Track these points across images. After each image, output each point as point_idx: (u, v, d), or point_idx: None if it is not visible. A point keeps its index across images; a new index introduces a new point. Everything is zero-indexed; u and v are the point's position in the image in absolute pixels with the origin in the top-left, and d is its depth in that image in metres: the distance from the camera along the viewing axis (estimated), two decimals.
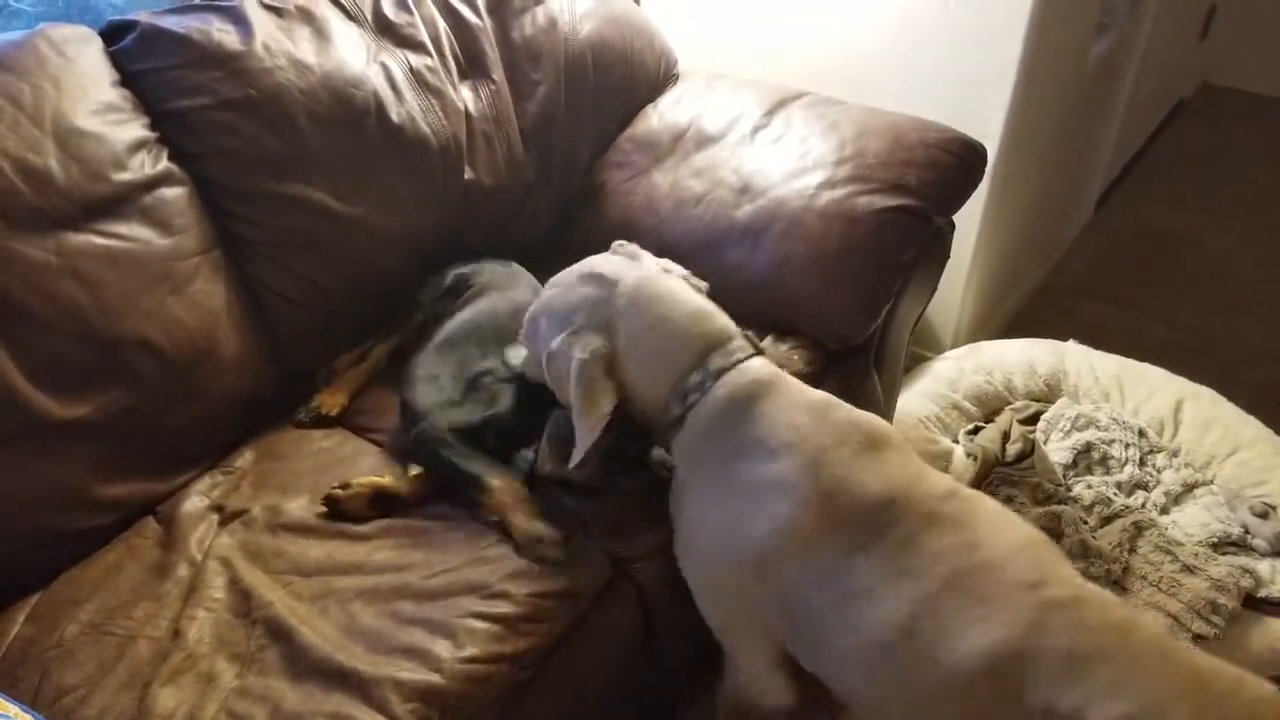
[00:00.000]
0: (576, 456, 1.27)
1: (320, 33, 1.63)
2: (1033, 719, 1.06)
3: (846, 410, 1.27)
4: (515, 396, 1.47)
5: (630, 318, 1.29)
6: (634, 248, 1.44)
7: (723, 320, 1.33)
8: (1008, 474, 2.02)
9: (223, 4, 1.59)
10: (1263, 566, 1.86)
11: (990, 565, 1.14)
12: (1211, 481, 2.07)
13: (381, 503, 1.41)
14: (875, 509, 1.17)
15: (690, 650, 1.59)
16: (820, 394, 1.29)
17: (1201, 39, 3.71)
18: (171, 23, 1.53)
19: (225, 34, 1.54)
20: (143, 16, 1.54)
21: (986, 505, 1.21)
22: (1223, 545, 1.91)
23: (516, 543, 1.33)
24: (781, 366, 1.69)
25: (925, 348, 2.40)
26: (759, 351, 1.31)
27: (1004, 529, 1.18)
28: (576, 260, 1.91)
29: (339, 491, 1.40)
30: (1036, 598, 1.11)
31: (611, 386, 1.28)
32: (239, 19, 1.57)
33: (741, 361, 1.28)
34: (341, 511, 1.40)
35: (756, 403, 1.24)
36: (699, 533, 1.29)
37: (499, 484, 1.37)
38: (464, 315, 1.61)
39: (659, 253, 1.82)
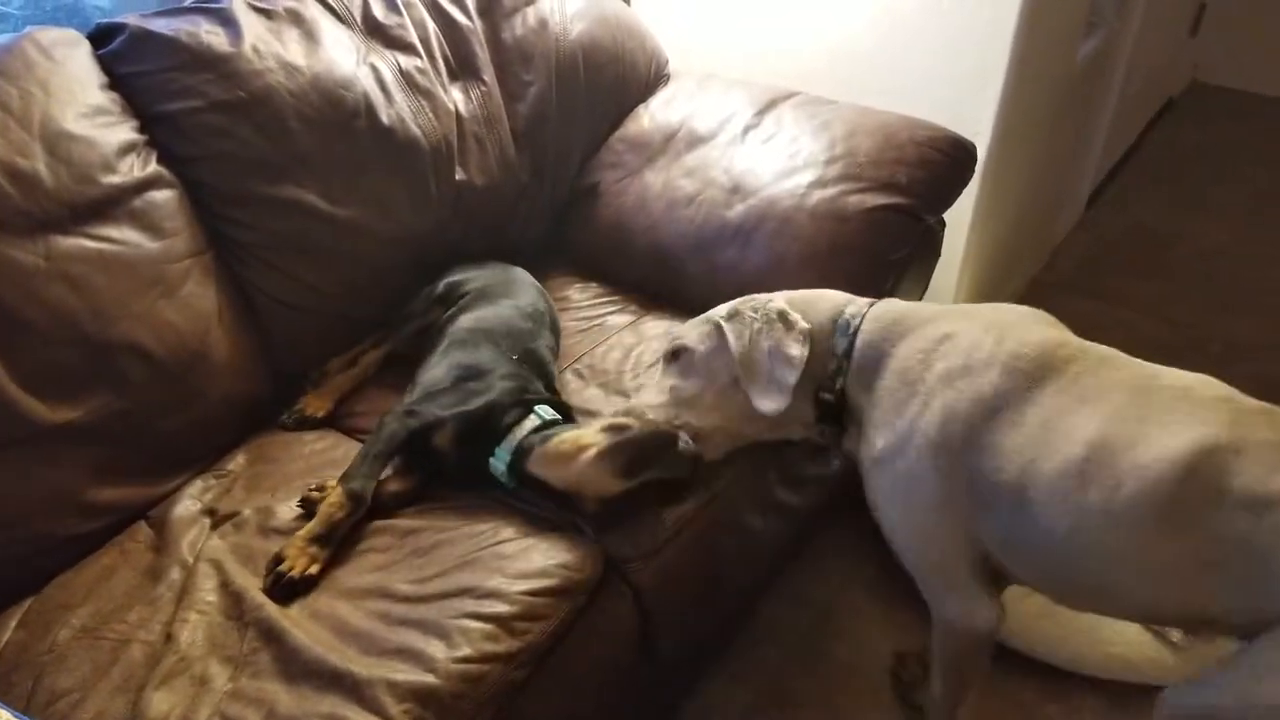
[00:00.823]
0: (780, 396, 1.42)
1: (309, 34, 1.63)
2: (1234, 511, 1.14)
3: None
4: (490, 401, 1.45)
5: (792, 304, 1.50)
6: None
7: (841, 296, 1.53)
8: None
9: (212, 6, 1.58)
10: None
11: (1175, 386, 1.26)
12: None
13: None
14: (1050, 352, 1.30)
15: (689, 649, 1.59)
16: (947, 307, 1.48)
17: (1191, 37, 3.73)
18: (160, 25, 1.53)
19: (214, 36, 1.54)
20: (131, 19, 1.54)
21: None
22: None
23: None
24: None
25: None
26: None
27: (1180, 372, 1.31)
28: (571, 260, 1.94)
29: (315, 494, 1.40)
30: (1231, 405, 1.23)
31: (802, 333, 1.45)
32: (228, 21, 1.56)
33: (867, 311, 1.46)
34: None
35: (883, 347, 1.40)
36: (904, 450, 1.35)
37: (336, 494, 1.36)
38: (466, 322, 1.60)
39: (651, 253, 1.83)
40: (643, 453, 1.38)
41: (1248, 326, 2.73)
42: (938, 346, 1.36)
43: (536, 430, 1.42)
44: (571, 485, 1.39)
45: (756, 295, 1.50)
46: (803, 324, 1.45)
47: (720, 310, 1.51)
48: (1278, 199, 3.33)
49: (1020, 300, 2.73)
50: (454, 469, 1.44)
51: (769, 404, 1.42)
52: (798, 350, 1.42)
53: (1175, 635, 1.74)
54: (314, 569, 1.31)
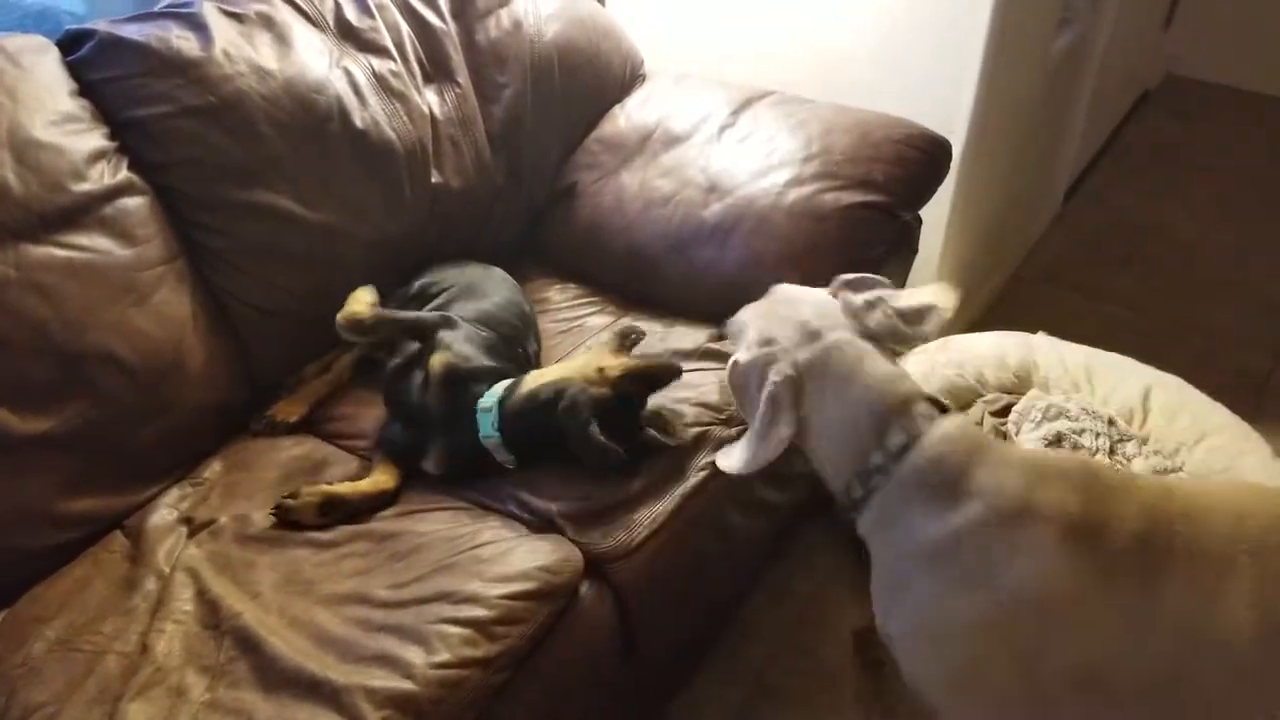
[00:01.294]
0: (744, 467, 1.25)
1: (281, 38, 1.62)
2: None
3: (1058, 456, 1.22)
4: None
5: (816, 380, 1.23)
6: (868, 286, 1.37)
7: (909, 384, 1.22)
8: None
9: (182, 11, 1.57)
10: None
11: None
12: (1181, 468, 2.09)
13: (332, 510, 1.40)
14: (1142, 540, 1.09)
15: (672, 649, 1.59)
16: (1022, 449, 1.23)
17: (1165, 30, 3.75)
18: (130, 31, 1.52)
19: (185, 41, 1.53)
20: (100, 25, 1.52)
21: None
22: None
23: None
24: None
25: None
26: (944, 409, 1.20)
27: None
28: (548, 262, 1.93)
29: (289, 500, 1.39)
30: None
31: (794, 419, 1.23)
32: (198, 26, 1.55)
33: (923, 434, 1.15)
34: (293, 520, 1.39)
35: (955, 475, 1.14)
36: (937, 636, 1.17)
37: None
38: (457, 311, 1.61)
39: (629, 253, 1.83)
40: (647, 371, 1.45)
41: (1226, 319, 2.76)
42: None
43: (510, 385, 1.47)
44: (565, 379, 1.42)
45: (842, 340, 1.25)
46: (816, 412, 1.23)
47: (785, 331, 1.28)
48: (1253, 190, 3.36)
49: (999, 297, 2.77)
50: (437, 418, 1.45)
51: (726, 461, 1.29)
52: (783, 434, 1.22)
53: None
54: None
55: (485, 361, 1.50)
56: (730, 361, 1.31)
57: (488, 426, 1.43)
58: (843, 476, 1.21)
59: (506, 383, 1.46)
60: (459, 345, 1.51)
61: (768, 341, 1.27)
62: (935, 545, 1.13)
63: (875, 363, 1.24)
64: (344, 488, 1.42)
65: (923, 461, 1.14)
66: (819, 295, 1.36)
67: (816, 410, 1.22)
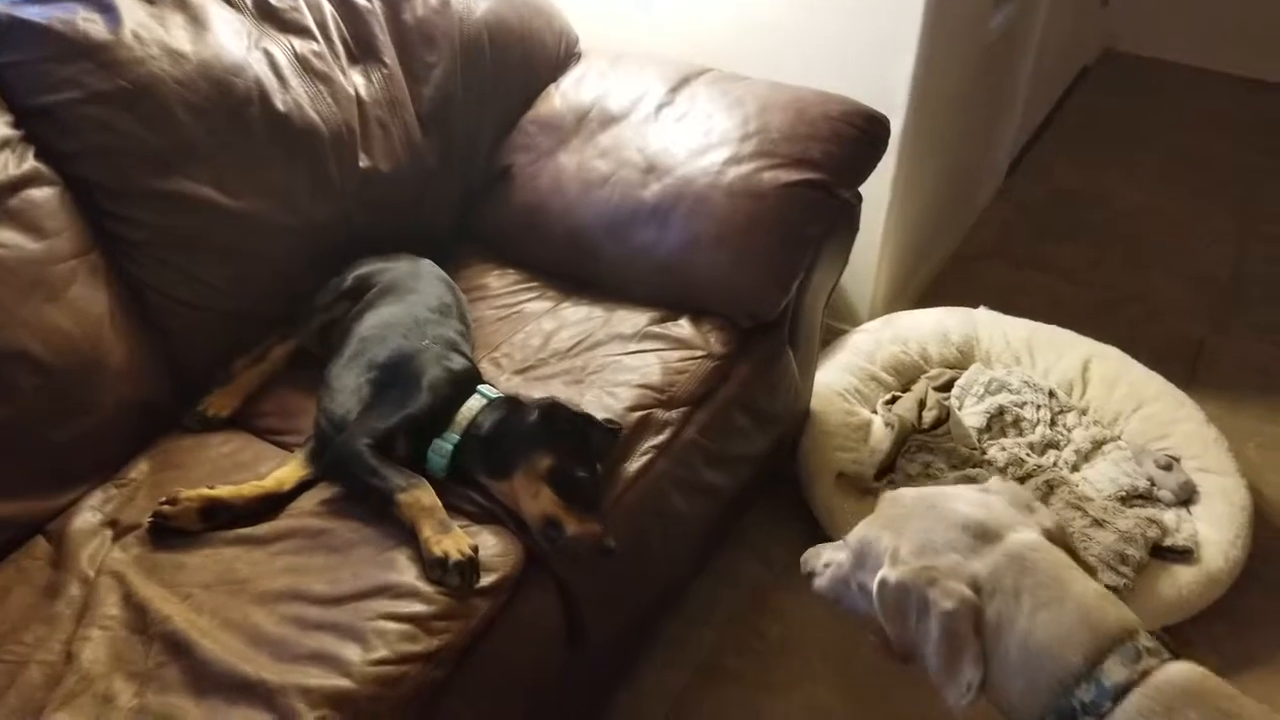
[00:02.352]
0: (954, 704, 1.03)
1: (196, 19, 1.55)
2: None
3: None
4: (429, 391, 1.43)
5: (1007, 592, 1.01)
6: (1018, 491, 1.16)
7: (1123, 610, 1.02)
8: (924, 441, 2.05)
9: None
10: (1168, 516, 1.93)
11: None
12: (1119, 437, 2.13)
13: (215, 514, 1.34)
14: None
15: (619, 636, 1.58)
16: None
17: (1103, 6, 3.79)
18: (32, 13, 1.44)
19: (91, 23, 1.46)
20: (1, 8, 1.45)
21: None
22: (1130, 498, 1.97)
23: (422, 560, 1.27)
24: (707, 352, 1.63)
25: (842, 320, 2.41)
26: (1175, 654, 1.00)
27: None
28: (486, 247, 1.89)
29: (166, 507, 1.33)
30: None
31: (979, 653, 1.00)
32: (106, 7, 1.48)
33: (1153, 670, 0.96)
34: (173, 528, 1.33)
35: None
36: None
37: (406, 498, 1.31)
38: (373, 320, 1.56)
39: (568, 236, 1.80)
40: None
41: (1163, 287, 2.81)
42: None
43: (484, 410, 1.41)
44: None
45: (1033, 542, 1.05)
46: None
47: (947, 535, 1.07)
48: (1189, 162, 3.42)
49: (944, 273, 2.79)
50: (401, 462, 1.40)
51: (953, 696, 1.04)
52: (970, 678, 1.00)
53: None
54: None
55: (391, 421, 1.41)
56: (877, 580, 1.07)
57: (439, 469, 1.40)
58: (1031, 712, 0.99)
59: (464, 425, 1.41)
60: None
61: (925, 551, 1.05)
62: None
63: (1078, 573, 1.04)
64: (225, 491, 1.35)
65: (1154, 707, 0.93)
66: (970, 489, 1.14)
67: (1004, 629, 1.01)
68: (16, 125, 1.42)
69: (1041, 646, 0.99)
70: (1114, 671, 0.95)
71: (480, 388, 1.46)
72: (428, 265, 1.72)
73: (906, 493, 1.18)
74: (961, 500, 1.11)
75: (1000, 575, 1.02)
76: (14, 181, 1.38)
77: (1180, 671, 0.97)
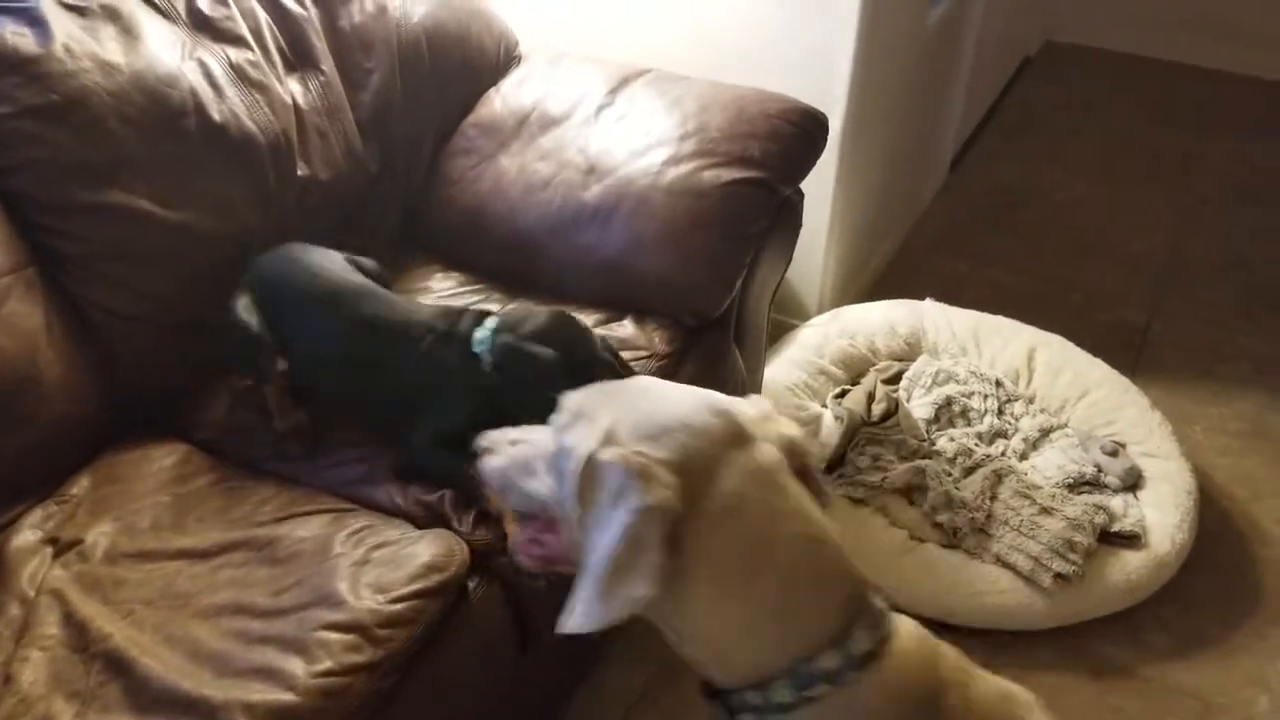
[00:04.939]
0: (576, 623, 0.85)
1: (128, 31, 1.54)
2: None
3: None
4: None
5: (749, 514, 0.86)
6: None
7: (852, 562, 0.91)
8: (873, 434, 2.07)
9: (15, 6, 1.47)
10: (1115, 502, 1.96)
11: None
12: (1066, 425, 2.17)
13: None
14: None
15: (573, 636, 1.58)
16: (960, 661, 0.92)
17: None
18: None
19: (20, 37, 1.44)
20: None
21: None
22: (1078, 485, 2.00)
23: None
24: (651, 352, 1.62)
25: (791, 315, 2.44)
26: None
27: None
28: (429, 250, 1.88)
29: None
30: None
31: (660, 569, 0.82)
32: (35, 21, 1.46)
33: (889, 637, 0.87)
34: None
35: (925, 694, 0.87)
36: None
37: None
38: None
39: (511, 239, 1.80)
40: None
41: (1107, 276, 2.85)
42: None
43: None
44: None
45: (771, 461, 0.89)
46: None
47: (666, 432, 0.87)
48: (1131, 151, 3.48)
49: (891, 266, 2.82)
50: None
51: (573, 621, 0.85)
52: (637, 594, 0.82)
53: (1046, 580, 1.81)
54: None
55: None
56: (581, 456, 0.86)
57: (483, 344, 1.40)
58: (755, 670, 0.87)
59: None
60: None
61: (648, 437, 0.86)
62: None
63: (816, 512, 0.90)
64: None
65: (897, 680, 0.86)
66: (706, 394, 0.94)
67: (715, 566, 0.85)
68: None
69: (784, 596, 0.86)
70: (860, 640, 0.85)
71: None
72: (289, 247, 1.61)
73: (649, 378, 1.04)
74: (695, 392, 0.95)
75: (744, 491, 0.86)
76: None
77: (906, 636, 0.89)
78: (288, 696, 1.13)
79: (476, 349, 1.40)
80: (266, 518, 1.37)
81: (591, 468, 0.86)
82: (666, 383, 0.99)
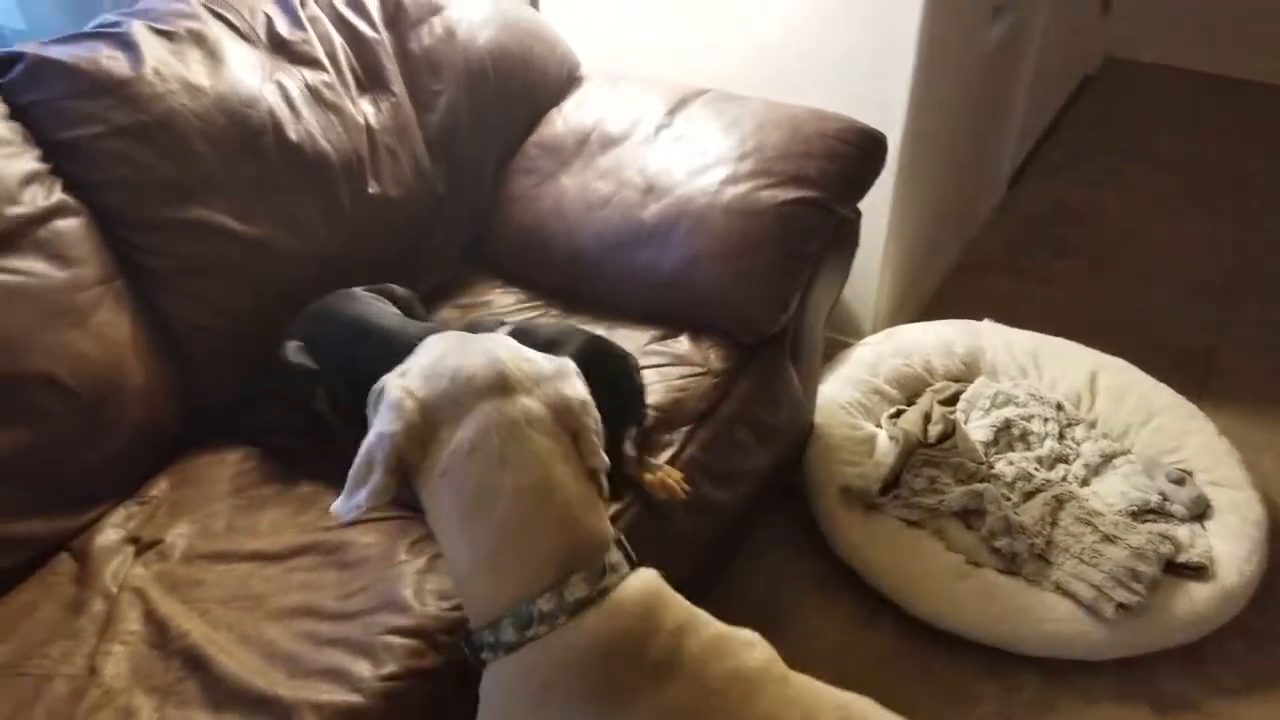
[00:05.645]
0: (334, 507, 1.05)
1: (212, 54, 1.61)
2: None
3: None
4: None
5: (491, 459, 0.99)
6: (566, 365, 1.11)
7: (598, 522, 1.04)
8: (930, 455, 2.06)
9: (111, 31, 1.56)
10: (1181, 532, 1.90)
11: None
12: (1129, 451, 2.12)
13: None
14: None
15: None
16: (690, 615, 1.04)
17: (1103, 14, 3.81)
18: (59, 52, 1.51)
19: (114, 61, 1.52)
20: (29, 47, 1.51)
21: None
22: (1142, 513, 1.95)
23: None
24: (707, 369, 1.64)
25: (845, 334, 2.44)
26: (634, 564, 1.05)
27: None
28: (490, 267, 1.93)
29: None
30: None
31: (382, 489, 1.01)
32: (128, 45, 1.55)
33: (613, 586, 0.99)
34: None
35: (633, 645, 0.99)
36: None
37: None
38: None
39: (570, 256, 1.84)
40: None
41: (1171, 297, 2.80)
42: None
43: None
44: None
45: (536, 414, 1.02)
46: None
47: (460, 366, 1.04)
48: (1195, 169, 3.42)
49: (946, 285, 2.81)
50: None
51: (333, 505, 1.07)
52: (366, 501, 1.01)
53: (1108, 610, 1.78)
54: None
55: None
56: (381, 382, 1.07)
57: None
58: (487, 609, 1.01)
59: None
60: None
61: (430, 376, 1.03)
62: None
63: (568, 471, 1.03)
64: None
65: (608, 625, 0.97)
66: (502, 348, 1.08)
67: (441, 502, 1.00)
68: (44, 159, 1.48)
69: (519, 540, 0.98)
70: (577, 588, 0.97)
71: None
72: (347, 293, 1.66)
73: (503, 336, 1.16)
74: (499, 346, 1.07)
75: (488, 434, 0.99)
76: (43, 213, 1.44)
77: (631, 587, 1.00)
78: (354, 698, 1.18)
79: None
80: (334, 523, 1.42)
81: (376, 392, 1.06)
82: (502, 339, 1.11)
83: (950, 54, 2.23)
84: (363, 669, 1.20)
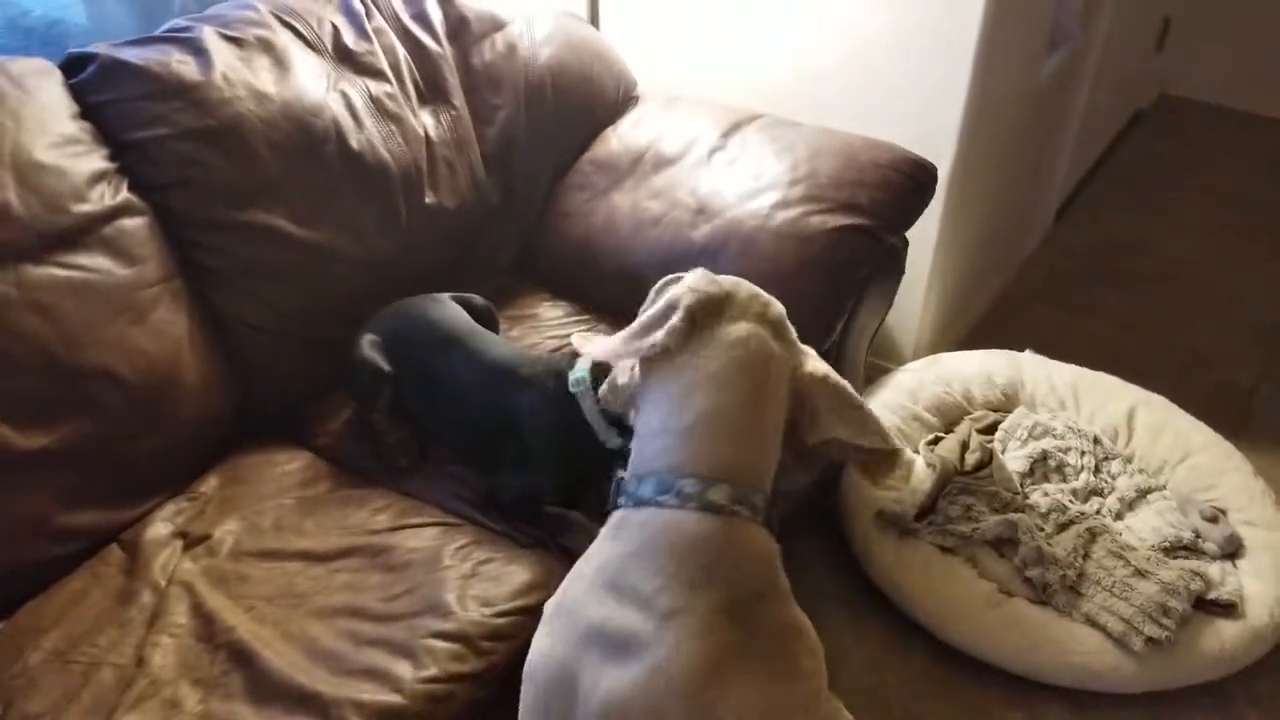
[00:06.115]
0: (592, 349, 1.22)
1: (280, 62, 1.65)
2: None
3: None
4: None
5: (729, 361, 1.13)
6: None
7: (767, 468, 1.17)
8: (966, 483, 2.06)
9: (182, 35, 1.60)
10: (1213, 569, 1.90)
11: None
12: (1164, 487, 2.12)
13: None
14: None
15: None
16: (796, 614, 1.17)
17: (1158, 51, 3.79)
18: (131, 54, 1.55)
19: (185, 65, 1.56)
20: (102, 48, 1.55)
21: None
22: (1174, 549, 1.95)
23: None
24: None
25: (887, 359, 2.44)
26: (769, 524, 1.17)
27: None
28: (540, 279, 1.96)
29: None
30: None
31: (685, 329, 1.13)
32: (198, 50, 1.59)
33: (740, 515, 1.11)
34: None
35: (722, 579, 1.09)
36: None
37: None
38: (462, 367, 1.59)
39: (619, 273, 1.86)
40: None
41: (1214, 336, 2.78)
42: None
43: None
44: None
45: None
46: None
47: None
48: (1242, 209, 3.39)
49: (989, 314, 2.80)
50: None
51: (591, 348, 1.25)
52: (676, 323, 1.14)
53: (1137, 644, 1.78)
54: None
55: None
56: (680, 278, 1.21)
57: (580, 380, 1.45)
58: (652, 464, 1.12)
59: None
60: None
61: (729, 282, 1.19)
62: (650, 599, 1.06)
63: (775, 421, 1.16)
64: None
65: (722, 543, 1.08)
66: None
67: (700, 378, 1.13)
68: (113, 159, 1.52)
69: (713, 430, 1.11)
70: (720, 492, 1.08)
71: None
72: (436, 299, 1.71)
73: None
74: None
75: (762, 347, 1.14)
76: (109, 211, 1.48)
77: (753, 532, 1.10)
78: (395, 698, 1.20)
79: (573, 389, 1.43)
80: (380, 526, 1.45)
81: (667, 284, 1.22)
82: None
83: (1003, 87, 2.23)
84: (404, 670, 1.23)
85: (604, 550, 1.12)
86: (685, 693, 1.02)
